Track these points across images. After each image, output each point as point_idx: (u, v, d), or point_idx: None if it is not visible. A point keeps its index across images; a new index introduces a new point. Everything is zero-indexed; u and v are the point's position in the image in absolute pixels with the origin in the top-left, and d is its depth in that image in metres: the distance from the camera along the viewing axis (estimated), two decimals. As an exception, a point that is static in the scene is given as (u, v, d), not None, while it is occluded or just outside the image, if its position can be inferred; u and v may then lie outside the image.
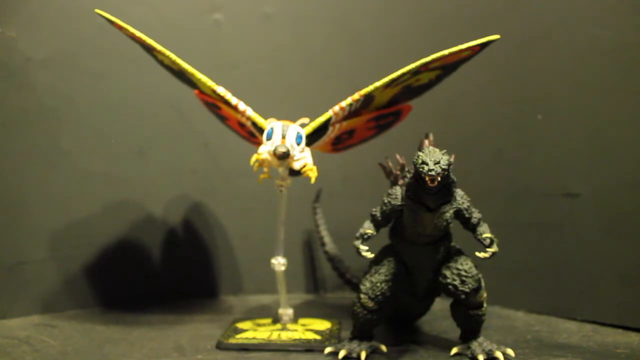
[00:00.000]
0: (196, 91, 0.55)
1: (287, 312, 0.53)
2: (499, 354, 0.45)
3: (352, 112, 0.49)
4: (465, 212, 0.45)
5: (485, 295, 0.47)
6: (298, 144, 0.46)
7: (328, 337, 0.50)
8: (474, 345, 0.47)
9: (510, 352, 0.46)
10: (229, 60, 0.72)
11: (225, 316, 0.60)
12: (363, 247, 0.45)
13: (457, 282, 0.46)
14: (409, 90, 0.50)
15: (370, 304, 0.45)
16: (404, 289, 0.48)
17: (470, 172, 0.58)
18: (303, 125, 0.47)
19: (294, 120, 0.47)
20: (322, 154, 0.54)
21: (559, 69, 0.66)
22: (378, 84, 0.46)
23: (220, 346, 0.49)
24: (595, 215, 0.62)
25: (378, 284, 0.46)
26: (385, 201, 0.45)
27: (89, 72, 0.65)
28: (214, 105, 0.54)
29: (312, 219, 0.69)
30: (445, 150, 0.41)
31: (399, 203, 0.45)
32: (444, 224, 0.44)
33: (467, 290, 0.45)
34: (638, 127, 0.59)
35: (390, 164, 0.49)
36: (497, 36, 0.45)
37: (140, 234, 0.68)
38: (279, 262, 0.52)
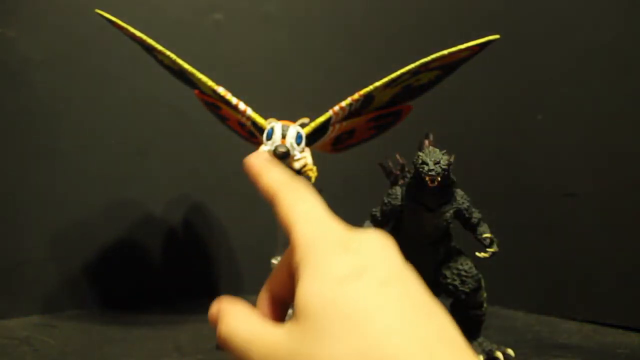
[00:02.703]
0: (196, 91, 0.55)
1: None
2: (499, 354, 0.45)
3: (352, 112, 0.49)
4: (465, 212, 0.45)
5: (485, 295, 0.47)
6: (298, 144, 0.46)
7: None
8: (474, 345, 0.47)
9: (510, 352, 0.46)
10: (229, 60, 0.72)
11: (225, 316, 0.60)
12: (363, 247, 0.45)
13: (457, 282, 0.45)
14: (409, 90, 0.50)
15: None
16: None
17: (470, 172, 0.58)
18: (303, 125, 0.47)
19: (294, 120, 0.47)
20: (322, 154, 0.54)
21: (559, 69, 0.66)
22: (378, 84, 0.46)
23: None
24: (595, 215, 0.62)
25: (378, 284, 0.45)
26: (385, 201, 0.45)
27: (89, 72, 0.65)
28: (214, 105, 0.54)
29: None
30: (445, 150, 0.41)
31: (399, 203, 0.45)
32: (444, 224, 0.44)
33: (467, 290, 0.45)
34: (638, 127, 0.60)
35: (390, 164, 0.49)
36: (496, 36, 0.44)
37: (140, 234, 0.68)
38: (279, 262, 0.52)
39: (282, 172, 0.28)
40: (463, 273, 0.46)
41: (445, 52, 0.44)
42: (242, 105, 0.48)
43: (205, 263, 0.72)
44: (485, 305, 0.47)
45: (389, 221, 0.47)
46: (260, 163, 0.29)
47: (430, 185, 0.40)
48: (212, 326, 0.24)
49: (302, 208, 0.26)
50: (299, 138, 0.46)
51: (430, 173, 0.40)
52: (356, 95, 0.47)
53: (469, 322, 0.47)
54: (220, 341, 0.24)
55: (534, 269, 0.66)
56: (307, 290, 0.22)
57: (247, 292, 0.72)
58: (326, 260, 0.22)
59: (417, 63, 0.44)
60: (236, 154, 0.60)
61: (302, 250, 0.23)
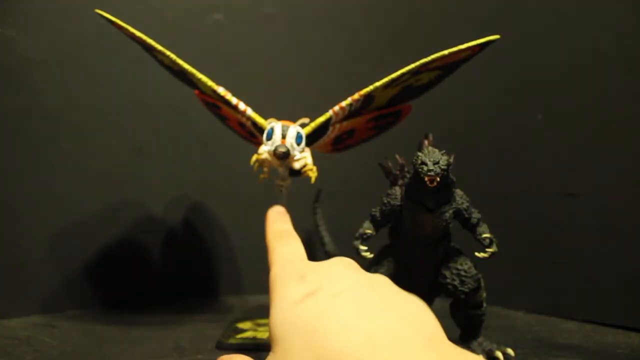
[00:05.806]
0: (196, 91, 0.55)
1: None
2: (499, 354, 0.45)
3: (352, 112, 0.49)
4: (464, 212, 0.45)
5: (484, 295, 0.47)
6: (298, 144, 0.46)
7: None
8: (474, 345, 0.47)
9: (510, 352, 0.46)
10: (229, 60, 0.72)
11: (225, 316, 0.60)
12: (362, 247, 0.45)
13: (456, 282, 0.45)
14: (409, 90, 0.50)
15: (370, 304, 0.45)
16: (404, 289, 0.48)
17: (470, 172, 0.59)
18: (303, 125, 0.47)
19: (294, 120, 0.47)
20: (322, 154, 0.54)
21: (559, 69, 0.66)
22: (378, 84, 0.46)
23: (220, 346, 0.49)
24: (595, 215, 0.62)
25: (378, 284, 0.45)
26: (385, 201, 0.45)
27: (89, 72, 0.65)
28: (214, 105, 0.54)
29: (312, 219, 0.69)
30: (444, 151, 0.41)
31: (399, 203, 0.45)
32: (444, 224, 0.44)
33: (467, 290, 0.45)
34: (638, 127, 0.59)
35: (390, 164, 0.49)
36: (497, 36, 0.44)
37: (140, 234, 0.68)
38: None
39: (283, 224, 0.34)
40: (462, 273, 0.46)
41: (445, 52, 0.44)
42: (242, 105, 0.48)
43: (205, 263, 0.72)
44: (485, 305, 0.47)
45: (389, 221, 0.47)
46: (271, 216, 0.35)
47: (430, 185, 0.40)
48: None
49: (279, 251, 0.31)
50: (299, 138, 0.46)
51: (429, 173, 0.40)
52: (356, 95, 0.47)
53: (469, 322, 0.47)
54: None
55: (534, 269, 0.66)
56: (272, 320, 0.26)
57: (247, 292, 0.73)
58: (285, 291, 0.27)
59: (418, 63, 0.44)
60: (236, 154, 0.61)
61: (270, 287, 0.28)
